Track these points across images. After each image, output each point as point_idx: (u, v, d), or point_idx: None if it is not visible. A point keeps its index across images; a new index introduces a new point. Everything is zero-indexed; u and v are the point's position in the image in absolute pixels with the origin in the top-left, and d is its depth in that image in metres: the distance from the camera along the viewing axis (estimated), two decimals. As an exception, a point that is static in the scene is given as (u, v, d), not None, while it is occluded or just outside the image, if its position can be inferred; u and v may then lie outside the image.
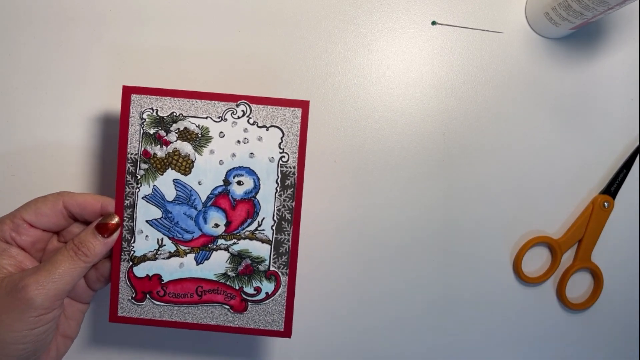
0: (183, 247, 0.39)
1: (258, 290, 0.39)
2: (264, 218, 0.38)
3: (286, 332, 0.39)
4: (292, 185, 0.38)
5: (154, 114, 0.38)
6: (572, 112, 0.48)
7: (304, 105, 0.38)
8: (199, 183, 0.38)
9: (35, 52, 0.47)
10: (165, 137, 0.38)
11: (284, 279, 0.39)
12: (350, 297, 0.49)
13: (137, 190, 0.38)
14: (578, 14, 0.42)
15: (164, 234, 0.38)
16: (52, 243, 0.40)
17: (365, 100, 0.47)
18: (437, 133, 0.47)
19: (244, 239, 0.39)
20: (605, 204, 0.47)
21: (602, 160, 0.48)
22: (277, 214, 0.38)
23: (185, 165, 0.38)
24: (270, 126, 0.38)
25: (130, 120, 0.38)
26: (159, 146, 0.38)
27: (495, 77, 0.47)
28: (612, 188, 0.48)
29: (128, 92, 0.38)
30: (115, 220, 0.38)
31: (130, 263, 0.38)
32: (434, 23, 0.47)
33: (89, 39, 0.47)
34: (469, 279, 0.49)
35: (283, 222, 0.38)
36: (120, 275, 0.39)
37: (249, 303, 0.39)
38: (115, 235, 0.38)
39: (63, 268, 0.35)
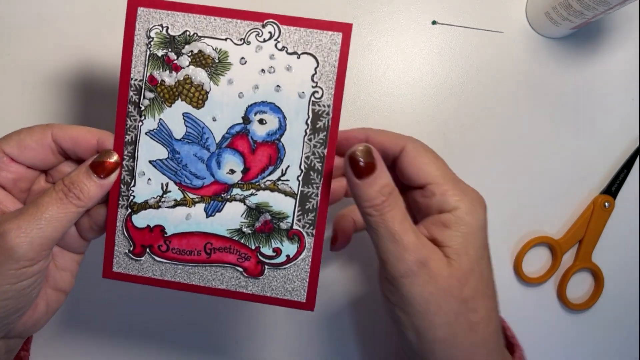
0: (191, 195, 0.32)
1: (277, 252, 0.32)
2: (288, 166, 0.32)
3: (308, 304, 0.33)
4: (325, 128, 0.31)
5: (164, 32, 0.31)
6: (572, 111, 0.47)
7: (345, 28, 0.31)
8: (214, 119, 0.32)
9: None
10: (176, 61, 0.31)
11: (309, 241, 0.32)
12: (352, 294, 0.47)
13: (140, 124, 0.32)
14: (579, 14, 0.42)
15: (169, 177, 0.32)
16: (38, 183, 0.34)
17: (365, 100, 0.46)
18: (437, 133, 0.47)
19: (263, 189, 0.32)
20: (606, 204, 0.47)
21: (603, 160, 0.48)
22: (305, 162, 0.32)
23: (197, 96, 0.31)
24: (302, 53, 0.31)
25: (135, 38, 0.31)
26: (167, 72, 0.31)
27: (496, 77, 0.47)
28: (613, 188, 0.47)
29: (134, 4, 0.31)
30: (114, 158, 0.32)
31: (129, 210, 0.33)
32: (434, 23, 0.47)
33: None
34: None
35: (312, 173, 0.32)
36: (117, 224, 0.33)
37: (266, 266, 0.33)
38: (114, 176, 0.32)
39: (50, 212, 0.30)
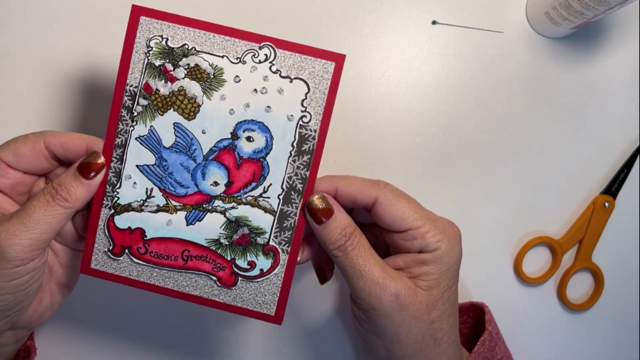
0: (174, 203, 0.33)
1: (252, 265, 0.34)
2: (271, 184, 0.33)
3: (277, 318, 0.34)
4: (309, 151, 0.33)
5: (163, 42, 0.32)
6: (572, 111, 0.47)
7: (338, 59, 0.32)
8: (203, 132, 0.33)
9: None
10: (172, 73, 0.32)
11: (283, 257, 0.34)
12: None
13: (132, 129, 0.33)
14: (579, 14, 0.41)
15: (154, 183, 0.33)
16: (38, 186, 0.36)
17: (365, 100, 0.46)
18: (437, 133, 0.46)
19: (245, 204, 0.33)
20: (606, 204, 0.47)
21: (603, 160, 0.48)
22: (287, 181, 0.33)
23: (190, 108, 0.32)
24: (295, 78, 0.32)
25: (134, 46, 0.32)
26: (163, 81, 0.32)
27: (496, 77, 0.46)
28: (613, 188, 0.47)
29: (137, 13, 0.32)
30: (100, 160, 0.33)
31: (112, 211, 0.33)
32: (434, 22, 0.46)
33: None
34: (469, 279, 0.47)
35: (292, 193, 0.33)
36: (99, 223, 0.34)
37: (240, 278, 0.34)
38: (100, 177, 0.33)
39: (37, 215, 0.31)
